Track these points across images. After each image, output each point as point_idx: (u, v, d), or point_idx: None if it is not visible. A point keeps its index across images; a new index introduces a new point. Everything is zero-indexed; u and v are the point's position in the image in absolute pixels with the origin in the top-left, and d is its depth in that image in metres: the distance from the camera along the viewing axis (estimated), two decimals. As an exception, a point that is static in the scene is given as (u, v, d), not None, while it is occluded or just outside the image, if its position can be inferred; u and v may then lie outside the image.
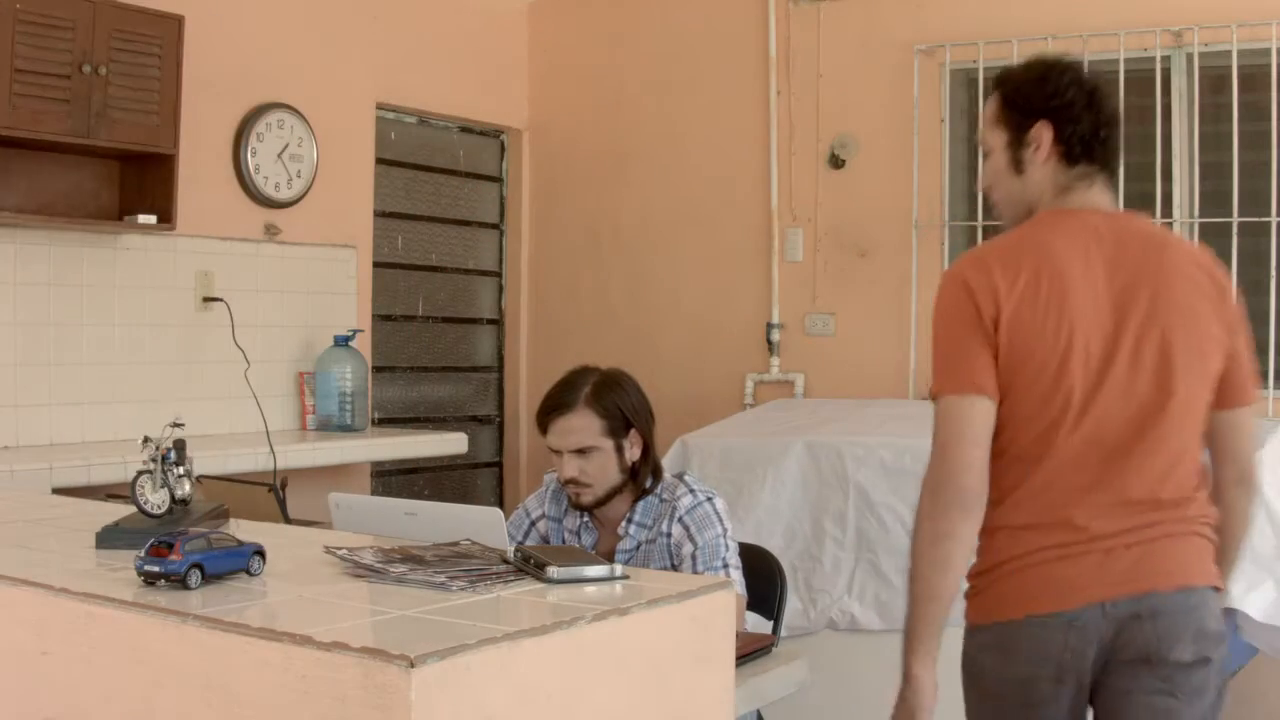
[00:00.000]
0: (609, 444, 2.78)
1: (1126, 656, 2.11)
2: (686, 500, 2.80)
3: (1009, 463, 2.16)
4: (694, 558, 2.73)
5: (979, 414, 2.13)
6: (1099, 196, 2.23)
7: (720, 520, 2.79)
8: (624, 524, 2.83)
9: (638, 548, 2.81)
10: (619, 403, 2.80)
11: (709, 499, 2.82)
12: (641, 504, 2.84)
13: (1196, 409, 2.18)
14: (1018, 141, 2.23)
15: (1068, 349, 2.11)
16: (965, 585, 2.23)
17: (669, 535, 2.79)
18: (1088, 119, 2.21)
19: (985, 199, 2.40)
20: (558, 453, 2.81)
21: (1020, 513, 2.15)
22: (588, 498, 2.81)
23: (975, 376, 2.13)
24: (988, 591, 2.19)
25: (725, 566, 2.74)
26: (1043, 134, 2.20)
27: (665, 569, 2.76)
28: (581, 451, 2.77)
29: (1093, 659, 2.12)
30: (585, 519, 2.89)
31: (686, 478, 2.87)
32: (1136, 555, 2.12)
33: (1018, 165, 2.24)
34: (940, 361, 2.21)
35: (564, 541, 2.91)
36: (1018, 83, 2.25)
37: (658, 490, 2.85)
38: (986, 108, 2.31)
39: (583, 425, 2.76)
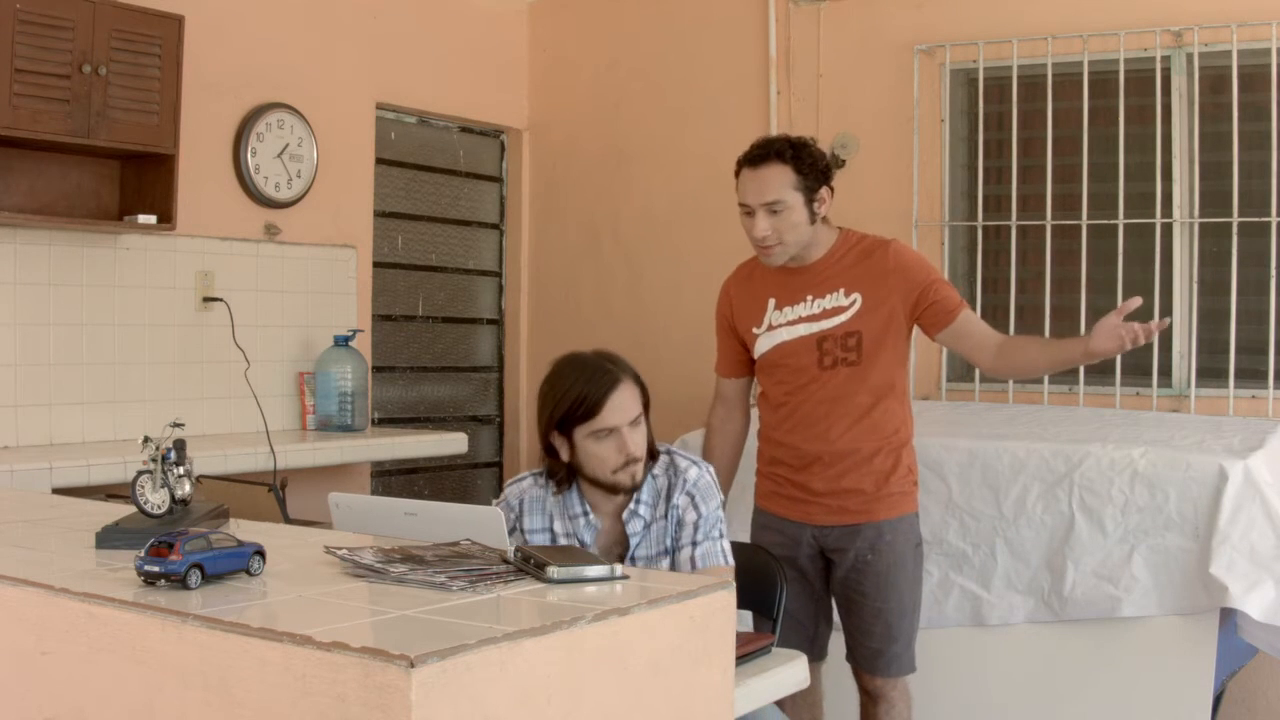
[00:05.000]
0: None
1: None
2: (693, 472, 2.87)
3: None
4: (696, 526, 2.83)
5: None
6: None
7: (717, 491, 2.91)
8: (630, 507, 2.84)
9: (646, 527, 2.85)
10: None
11: (709, 469, 2.93)
12: (646, 487, 2.86)
13: None
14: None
15: None
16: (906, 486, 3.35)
17: (677, 506, 2.85)
18: None
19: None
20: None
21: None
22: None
23: None
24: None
25: (721, 537, 2.86)
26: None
27: (671, 538, 2.84)
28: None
29: None
30: (587, 518, 2.88)
31: (674, 451, 2.93)
32: None
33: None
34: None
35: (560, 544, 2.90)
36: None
37: (653, 470, 2.88)
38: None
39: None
